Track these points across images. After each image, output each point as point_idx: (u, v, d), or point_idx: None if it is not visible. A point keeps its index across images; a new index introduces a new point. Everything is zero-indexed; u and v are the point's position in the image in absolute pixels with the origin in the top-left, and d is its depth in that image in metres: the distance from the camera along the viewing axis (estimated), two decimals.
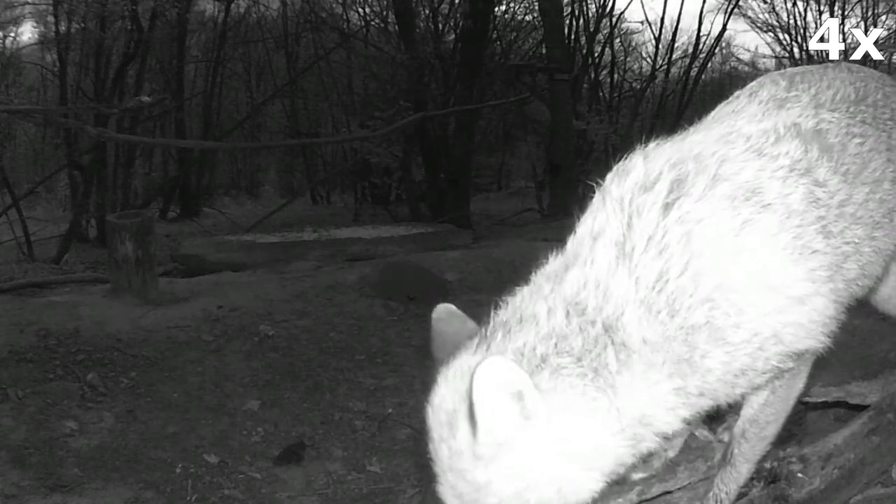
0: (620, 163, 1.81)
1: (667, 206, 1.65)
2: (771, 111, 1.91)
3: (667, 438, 1.66)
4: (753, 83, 2.10)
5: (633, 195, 1.69)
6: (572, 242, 1.75)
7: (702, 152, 1.74)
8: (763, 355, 1.63)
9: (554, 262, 1.75)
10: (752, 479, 2.02)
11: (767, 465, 2.06)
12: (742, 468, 1.95)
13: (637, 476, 2.00)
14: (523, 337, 1.59)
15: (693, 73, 18.74)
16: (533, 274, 1.76)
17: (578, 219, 1.80)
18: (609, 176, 1.81)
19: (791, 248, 1.65)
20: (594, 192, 1.81)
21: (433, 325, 1.82)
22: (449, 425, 1.57)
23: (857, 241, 1.79)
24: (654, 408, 1.59)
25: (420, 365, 5.78)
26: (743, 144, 1.78)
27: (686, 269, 1.59)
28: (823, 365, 2.04)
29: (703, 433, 2.14)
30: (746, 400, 1.85)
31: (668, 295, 1.58)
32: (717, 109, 2.06)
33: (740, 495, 2.01)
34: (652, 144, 1.83)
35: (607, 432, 1.57)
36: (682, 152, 1.75)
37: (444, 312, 1.83)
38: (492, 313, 1.71)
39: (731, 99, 2.07)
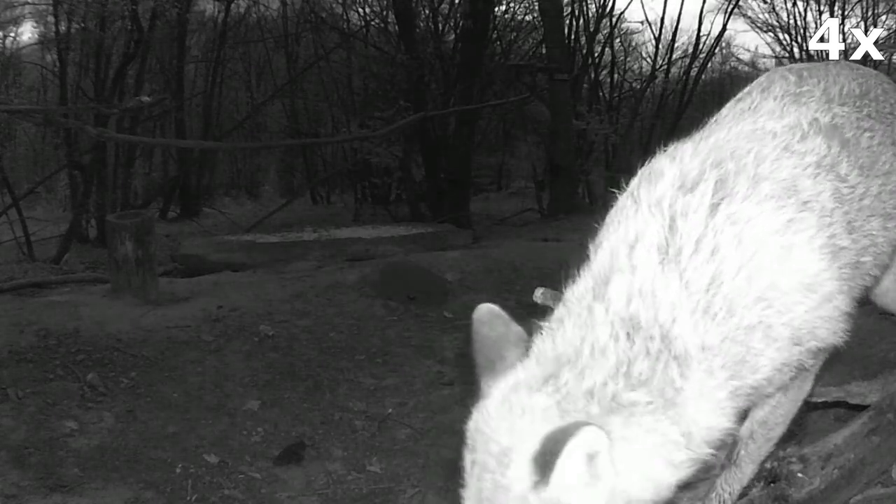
0: (645, 167, 1.77)
1: (713, 207, 1.61)
2: (789, 106, 1.92)
3: (722, 449, 1.65)
4: (762, 78, 2.10)
5: (674, 197, 1.64)
6: (603, 255, 1.66)
7: (737, 150, 1.73)
8: (797, 351, 1.65)
9: (588, 277, 1.65)
10: (752, 478, 2.02)
11: (767, 465, 2.06)
12: (747, 469, 1.95)
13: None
14: (593, 375, 1.48)
15: (693, 73, 18.71)
16: (565, 293, 1.66)
17: (600, 227, 1.74)
18: (634, 181, 1.76)
19: (826, 248, 1.67)
20: (616, 199, 1.76)
21: (475, 327, 1.69)
22: (500, 460, 1.47)
23: (874, 233, 1.82)
24: (717, 416, 1.55)
25: (420, 365, 5.79)
26: (772, 142, 1.77)
27: (740, 270, 1.57)
28: (823, 365, 2.04)
29: None
30: (757, 402, 1.84)
31: (725, 296, 1.55)
32: (728, 106, 2.05)
33: (741, 495, 2.01)
34: (672, 146, 1.80)
35: (673, 466, 1.51)
36: (718, 151, 1.73)
37: (487, 314, 1.70)
38: (537, 338, 1.59)
39: (741, 96, 2.07)
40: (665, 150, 1.80)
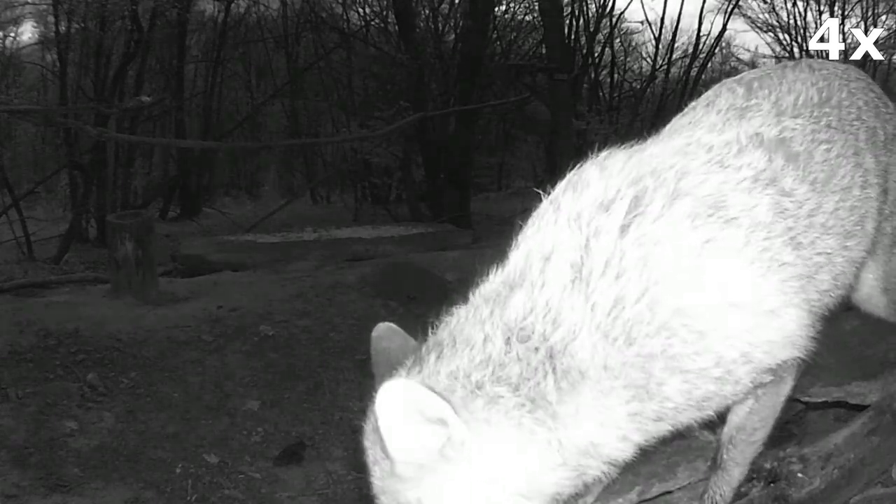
0: (573, 174, 1.72)
1: (624, 228, 1.56)
2: (731, 121, 1.84)
3: (615, 466, 1.59)
4: (709, 92, 2.01)
5: (592, 215, 1.60)
6: (517, 258, 1.64)
7: (659, 166, 1.66)
8: (731, 378, 1.57)
9: (496, 280, 1.65)
10: (752, 478, 2.02)
11: (767, 465, 2.06)
12: (734, 472, 1.93)
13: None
14: (457, 361, 1.52)
15: (693, 73, 18.74)
16: (473, 292, 1.67)
17: (522, 229, 1.70)
18: (560, 187, 1.71)
19: (759, 262, 1.59)
20: (540, 202, 1.72)
21: (373, 343, 1.75)
22: (382, 448, 1.52)
23: (829, 251, 1.73)
24: (605, 435, 1.53)
25: None
26: (704, 156, 1.70)
27: (643, 296, 1.51)
28: (823, 365, 2.04)
29: (703, 433, 2.14)
30: (732, 408, 1.80)
31: (625, 322, 1.51)
32: (672, 122, 1.97)
33: (741, 495, 2.01)
34: (604, 154, 1.74)
35: (545, 465, 1.51)
36: (641, 167, 1.67)
37: (385, 331, 1.77)
38: (429, 332, 1.64)
39: (686, 110, 1.99)
40: (597, 157, 1.75)
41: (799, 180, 1.73)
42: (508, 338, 1.53)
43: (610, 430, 1.53)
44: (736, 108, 1.88)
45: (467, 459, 1.47)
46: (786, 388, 1.84)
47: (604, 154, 1.75)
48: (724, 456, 1.92)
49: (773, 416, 1.87)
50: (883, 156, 2.01)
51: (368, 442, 1.57)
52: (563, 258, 1.57)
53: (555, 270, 1.57)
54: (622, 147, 1.78)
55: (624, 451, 1.57)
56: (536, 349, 1.51)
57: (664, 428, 1.59)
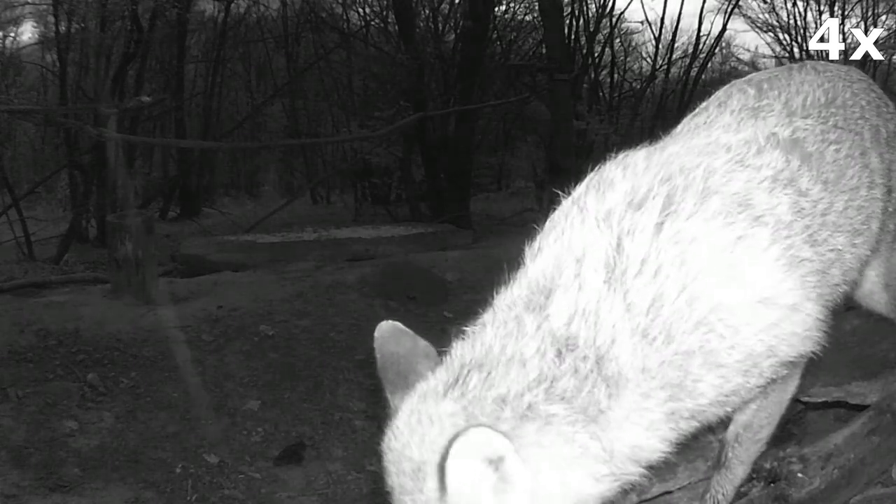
0: (592, 175, 1.72)
1: (659, 226, 1.56)
2: (746, 121, 1.86)
3: (651, 468, 1.58)
4: (719, 92, 2.03)
5: (622, 214, 1.59)
6: (545, 262, 1.61)
7: (686, 164, 1.67)
8: (756, 371, 1.60)
9: (524, 285, 1.60)
10: (752, 478, 2.02)
11: (767, 465, 2.06)
12: (738, 470, 1.95)
13: None
14: (507, 383, 1.44)
15: (693, 73, 18.75)
16: (497, 297, 1.61)
17: (540, 230, 1.68)
18: (582, 187, 1.71)
19: (783, 260, 1.62)
20: (559, 203, 1.71)
21: (378, 345, 1.65)
22: (414, 477, 1.43)
23: (840, 248, 1.78)
24: (648, 438, 1.52)
25: None
26: (725, 155, 1.72)
27: (682, 293, 1.51)
28: (823, 365, 2.04)
29: (703, 434, 2.14)
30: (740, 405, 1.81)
31: (664, 320, 1.50)
32: (684, 122, 1.99)
33: (740, 495, 2.01)
34: (623, 154, 1.75)
35: (594, 478, 1.48)
36: (668, 166, 1.67)
37: (390, 331, 1.66)
38: (455, 344, 1.55)
39: (697, 111, 2.00)
40: (615, 158, 1.75)
41: (813, 180, 1.77)
42: (559, 350, 1.47)
43: (652, 433, 1.52)
44: (748, 108, 1.91)
45: (518, 489, 1.40)
46: (792, 386, 1.87)
47: (622, 155, 1.75)
48: (729, 454, 1.93)
49: (779, 414, 1.90)
50: (886, 153, 2.05)
51: (395, 466, 1.48)
52: (596, 259, 1.55)
53: (589, 272, 1.54)
54: (633, 149, 1.79)
55: (663, 452, 1.56)
56: (585, 357, 1.47)
57: (695, 425, 1.60)
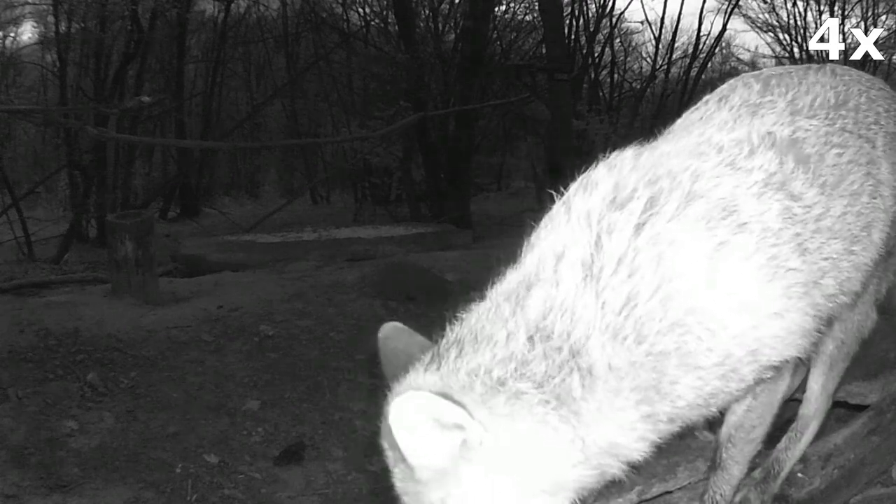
0: (585, 174, 1.72)
1: (638, 227, 1.56)
2: (743, 118, 1.82)
3: (633, 466, 1.59)
4: (724, 86, 1.99)
5: (603, 212, 1.60)
6: (532, 257, 1.65)
7: (674, 168, 1.66)
8: (737, 376, 1.59)
9: (512, 279, 1.65)
10: (743, 478, 2.02)
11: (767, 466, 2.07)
12: (733, 470, 1.94)
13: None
14: (478, 358, 1.51)
15: (693, 73, 18.75)
16: (489, 289, 1.67)
17: (535, 228, 1.71)
18: (573, 187, 1.72)
19: (766, 268, 1.59)
20: (554, 202, 1.72)
21: (381, 344, 1.75)
22: (393, 446, 1.53)
23: (834, 256, 1.72)
24: (623, 436, 1.53)
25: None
26: (716, 157, 1.69)
27: (656, 293, 1.51)
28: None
29: (703, 433, 2.14)
30: (730, 406, 1.81)
31: (636, 319, 1.50)
32: (684, 116, 1.96)
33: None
34: (614, 154, 1.74)
35: (569, 463, 1.51)
36: (656, 168, 1.66)
37: (392, 330, 1.76)
38: (446, 329, 1.63)
39: (698, 105, 1.97)
40: (606, 159, 1.74)
41: (808, 184, 1.72)
42: (531, 336, 1.52)
43: (627, 432, 1.53)
44: (749, 104, 1.86)
45: (488, 458, 1.47)
46: (783, 386, 1.86)
47: (613, 154, 1.75)
48: (724, 455, 1.92)
49: (771, 414, 1.88)
50: None
51: (387, 444, 1.57)
52: (575, 256, 1.57)
53: (567, 268, 1.57)
54: (629, 147, 1.78)
55: (643, 451, 1.57)
56: (559, 348, 1.51)
57: (676, 427, 1.60)
